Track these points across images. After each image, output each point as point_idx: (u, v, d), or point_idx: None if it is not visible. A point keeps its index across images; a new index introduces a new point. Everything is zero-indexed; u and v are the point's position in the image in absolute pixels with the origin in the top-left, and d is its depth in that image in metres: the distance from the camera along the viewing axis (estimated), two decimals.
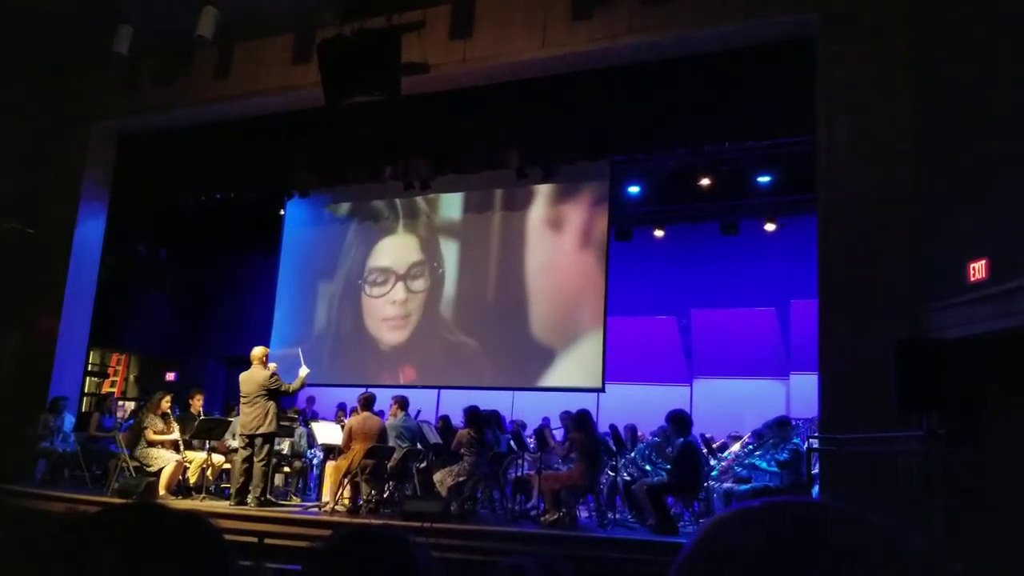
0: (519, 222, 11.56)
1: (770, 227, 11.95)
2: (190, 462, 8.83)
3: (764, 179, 11.21)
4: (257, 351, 8.50)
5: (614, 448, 8.75)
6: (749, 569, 0.61)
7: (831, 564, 0.60)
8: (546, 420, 10.51)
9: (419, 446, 8.66)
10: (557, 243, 11.28)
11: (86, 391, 12.91)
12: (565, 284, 11.12)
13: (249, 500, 8.05)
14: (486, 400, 9.48)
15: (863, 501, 5.91)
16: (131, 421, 9.96)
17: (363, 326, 12.20)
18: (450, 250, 11.93)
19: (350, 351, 12.31)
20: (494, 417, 8.97)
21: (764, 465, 7.98)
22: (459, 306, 11.68)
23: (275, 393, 8.27)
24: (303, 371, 8.60)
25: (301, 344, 12.12)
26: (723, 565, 0.63)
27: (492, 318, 11.45)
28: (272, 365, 8.50)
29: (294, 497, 9.30)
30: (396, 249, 12.29)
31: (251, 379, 8.31)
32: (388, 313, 12.04)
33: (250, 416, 8.17)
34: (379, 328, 12.06)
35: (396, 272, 12.16)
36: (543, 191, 11.38)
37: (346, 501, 8.25)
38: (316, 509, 8.39)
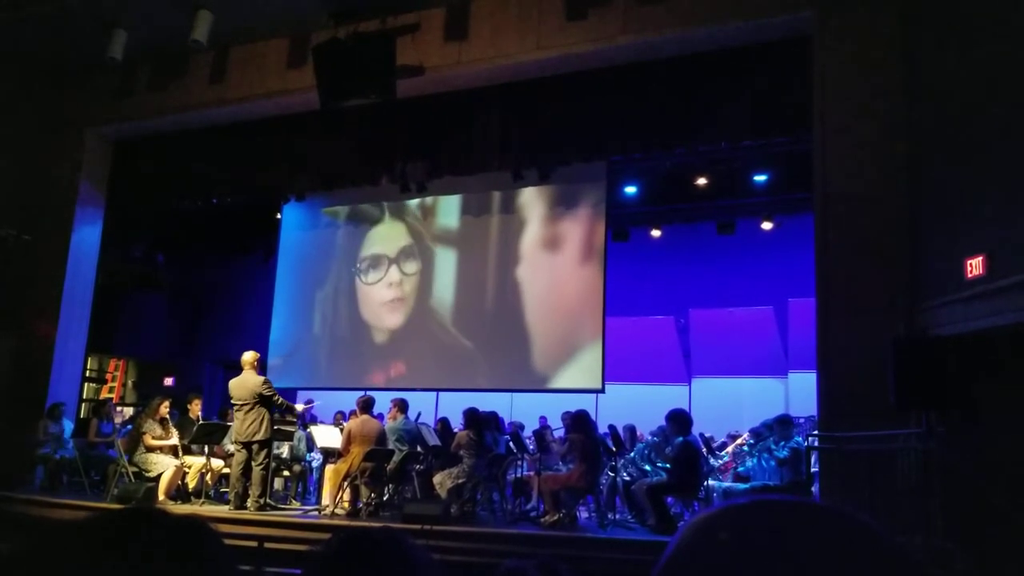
0: (516, 224, 11.56)
1: (767, 226, 11.97)
2: (189, 467, 8.82)
3: (760, 178, 11.23)
4: (248, 356, 8.47)
5: (613, 448, 8.76)
6: (734, 566, 0.61)
7: (815, 562, 0.60)
8: (543, 420, 10.52)
9: (418, 449, 8.66)
10: (554, 244, 11.27)
11: (84, 397, 12.88)
12: (563, 285, 11.12)
13: (248, 504, 8.04)
14: (485, 402, 9.48)
15: (862, 499, 5.92)
16: (129, 426, 9.94)
17: (359, 317, 12.21)
18: (448, 253, 11.93)
19: (346, 349, 12.30)
20: (493, 419, 8.98)
21: (764, 462, 7.98)
22: (457, 309, 11.67)
23: (268, 400, 8.26)
24: (299, 406, 8.81)
25: (292, 351, 12.24)
26: (707, 562, 0.63)
27: (490, 320, 11.45)
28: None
29: (294, 501, 9.29)
30: (387, 238, 12.32)
31: (243, 385, 8.29)
32: (386, 296, 12.07)
33: (245, 423, 8.15)
34: (378, 313, 12.07)
35: (388, 256, 12.19)
36: (540, 192, 11.38)
37: (346, 504, 8.24)
38: (316, 513, 8.38)
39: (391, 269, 12.20)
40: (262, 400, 8.20)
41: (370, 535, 1.05)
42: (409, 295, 12.01)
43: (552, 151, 9.42)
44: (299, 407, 8.79)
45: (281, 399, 8.45)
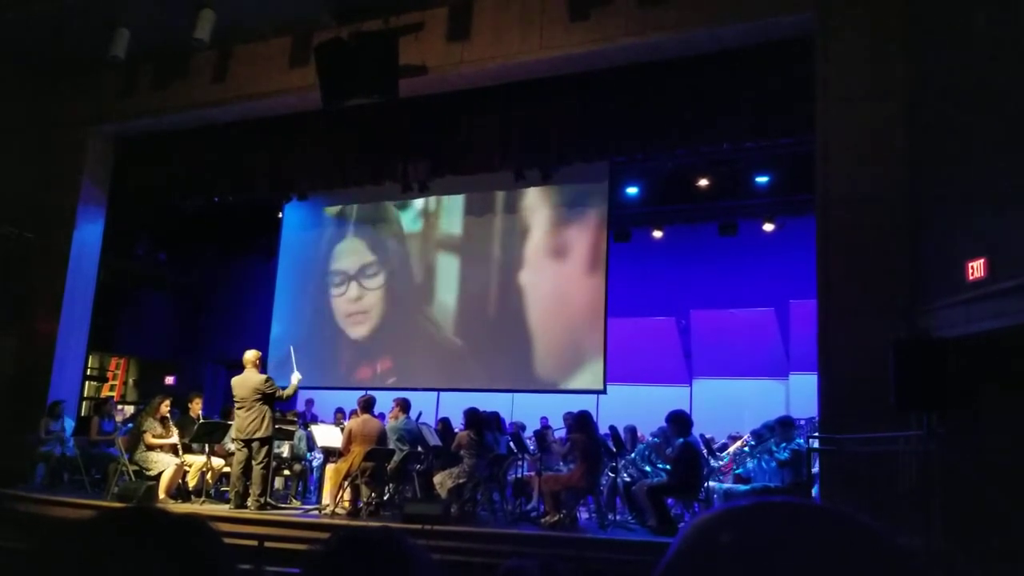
0: (518, 224, 11.56)
1: (769, 227, 11.96)
2: (190, 466, 8.82)
3: (762, 179, 11.22)
4: (250, 355, 8.48)
5: (614, 449, 8.75)
6: (735, 568, 0.61)
7: (817, 564, 0.60)
8: (544, 421, 10.51)
9: (419, 448, 8.66)
10: (556, 244, 11.28)
11: (85, 395, 12.90)
12: (565, 285, 11.12)
13: (249, 503, 8.04)
14: (486, 402, 9.47)
15: (863, 500, 5.92)
16: (130, 425, 9.95)
17: (359, 316, 12.23)
18: (450, 252, 11.93)
19: (346, 348, 12.32)
20: (494, 419, 8.98)
21: (764, 463, 7.98)
22: (459, 308, 11.68)
23: (270, 398, 8.26)
24: (295, 377, 8.62)
25: (298, 347, 12.19)
26: (709, 564, 0.63)
27: (492, 319, 11.45)
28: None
29: (294, 500, 9.28)
30: (390, 246, 12.32)
31: (245, 383, 8.30)
32: (380, 295, 12.10)
33: (246, 421, 8.16)
34: (376, 311, 12.10)
35: (390, 267, 12.22)
36: (542, 193, 11.38)
37: (346, 504, 8.24)
38: (316, 512, 8.39)
39: (389, 270, 12.22)
40: (264, 398, 8.20)
41: (368, 535, 1.05)
42: (406, 294, 12.02)
43: (554, 151, 9.42)
44: (295, 377, 8.65)
45: (282, 391, 8.42)
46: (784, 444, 7.72)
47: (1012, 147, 5.94)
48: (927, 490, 5.95)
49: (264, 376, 8.37)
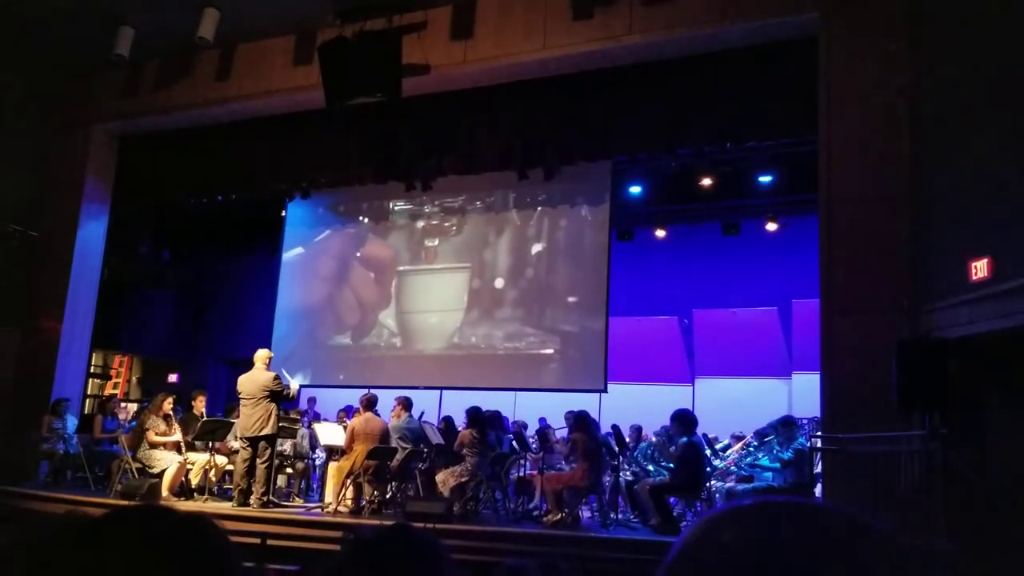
0: (521, 223, 11.56)
1: (771, 227, 11.95)
2: (193, 463, 8.83)
3: (765, 179, 11.21)
4: (261, 353, 8.52)
5: (616, 448, 8.76)
6: (739, 567, 0.61)
7: (820, 564, 0.60)
8: (543, 421, 10.51)
9: (422, 447, 8.67)
10: (558, 243, 11.27)
11: (89, 393, 12.92)
12: (566, 284, 11.12)
13: (252, 501, 8.06)
14: (488, 401, 9.47)
15: (865, 500, 5.92)
16: (133, 423, 9.97)
17: (359, 316, 12.24)
18: (452, 252, 11.93)
19: (348, 347, 12.32)
20: (496, 418, 8.98)
21: (767, 463, 7.97)
22: (459, 307, 11.67)
23: (277, 396, 8.29)
24: (294, 384, 8.74)
25: (296, 348, 12.24)
26: (713, 562, 0.63)
27: (493, 319, 11.44)
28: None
29: (297, 498, 9.30)
30: (393, 245, 12.33)
31: (252, 380, 8.32)
32: (383, 293, 12.13)
33: (252, 418, 8.18)
34: (376, 311, 12.12)
35: (394, 267, 12.22)
36: (544, 191, 11.37)
37: (349, 502, 8.26)
38: (319, 510, 8.40)
39: (392, 268, 12.23)
40: (272, 396, 8.23)
41: (410, 533, 1.06)
42: (408, 292, 12.03)
43: (557, 151, 9.42)
44: (294, 384, 8.83)
45: (288, 390, 8.47)
46: (787, 444, 7.72)
47: (1016, 146, 5.93)
48: (930, 490, 5.95)
49: (273, 374, 8.41)
